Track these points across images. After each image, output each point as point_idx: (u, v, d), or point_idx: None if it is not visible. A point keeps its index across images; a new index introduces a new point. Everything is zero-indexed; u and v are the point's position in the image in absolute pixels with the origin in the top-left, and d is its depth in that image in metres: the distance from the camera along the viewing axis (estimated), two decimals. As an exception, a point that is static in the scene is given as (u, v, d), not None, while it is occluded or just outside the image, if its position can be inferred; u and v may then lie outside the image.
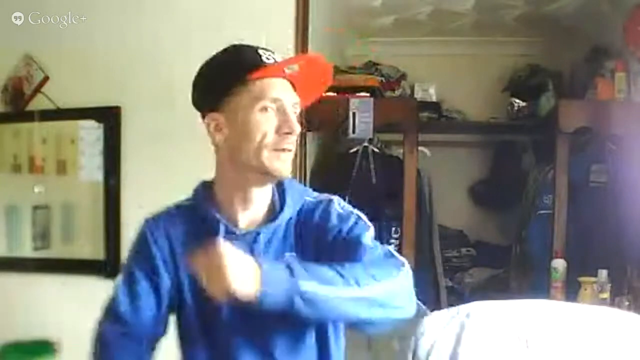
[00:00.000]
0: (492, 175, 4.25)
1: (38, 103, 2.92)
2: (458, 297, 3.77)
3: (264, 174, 1.30)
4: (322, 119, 3.01)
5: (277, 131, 1.28)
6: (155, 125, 2.77)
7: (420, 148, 3.15)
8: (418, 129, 3.09)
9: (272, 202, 1.37)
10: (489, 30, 4.10)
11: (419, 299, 1.35)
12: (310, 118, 2.93)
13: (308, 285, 1.11)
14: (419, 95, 3.84)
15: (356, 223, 1.36)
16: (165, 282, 1.37)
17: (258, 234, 1.32)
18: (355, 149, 3.18)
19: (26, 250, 2.95)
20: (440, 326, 1.71)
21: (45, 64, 2.90)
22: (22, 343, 2.77)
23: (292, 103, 1.31)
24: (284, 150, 1.29)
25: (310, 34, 2.91)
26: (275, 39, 2.70)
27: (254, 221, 1.35)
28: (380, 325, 1.27)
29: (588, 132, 3.13)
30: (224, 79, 1.31)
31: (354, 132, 2.96)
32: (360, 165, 3.14)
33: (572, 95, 3.46)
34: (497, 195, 4.11)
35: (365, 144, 3.15)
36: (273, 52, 1.35)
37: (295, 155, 2.83)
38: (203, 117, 1.34)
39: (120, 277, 1.40)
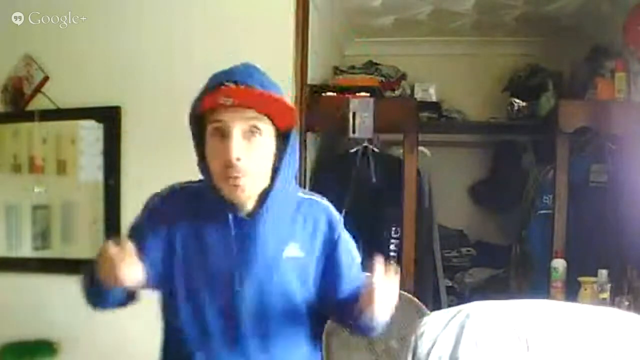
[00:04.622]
0: (492, 175, 4.24)
1: (38, 103, 2.92)
2: (458, 297, 3.77)
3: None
4: (322, 119, 3.01)
5: (220, 157, 1.32)
6: (155, 125, 2.77)
7: (420, 148, 3.14)
8: (418, 129, 3.09)
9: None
10: (489, 30, 4.10)
11: (419, 299, 1.36)
12: (310, 118, 2.93)
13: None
14: (419, 95, 3.83)
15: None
16: (154, 256, 1.40)
17: (262, 214, 1.38)
18: (355, 149, 3.18)
19: (26, 250, 2.96)
20: (440, 326, 1.71)
21: (45, 64, 2.90)
22: (22, 343, 2.77)
23: (246, 125, 1.32)
24: (228, 177, 1.32)
25: (311, 34, 2.91)
26: (275, 40, 2.71)
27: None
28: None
29: (588, 132, 3.13)
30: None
31: (354, 132, 2.96)
32: (361, 165, 3.14)
33: (572, 95, 3.46)
34: (497, 195, 4.11)
35: (365, 144, 3.15)
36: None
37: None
38: None
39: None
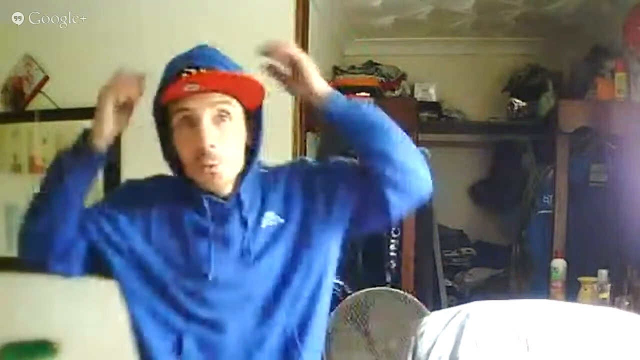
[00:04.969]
0: (492, 175, 4.25)
1: (38, 103, 2.92)
2: (458, 297, 3.77)
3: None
4: (322, 119, 3.01)
5: (192, 146, 1.27)
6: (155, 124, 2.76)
7: (420, 148, 3.14)
8: (418, 129, 3.09)
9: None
10: (489, 30, 4.10)
11: (419, 299, 1.35)
12: (310, 118, 2.93)
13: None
14: (419, 95, 3.83)
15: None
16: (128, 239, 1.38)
17: (238, 195, 1.34)
18: (355, 149, 3.17)
19: (26, 250, 2.95)
20: (440, 326, 1.71)
21: (45, 64, 2.90)
22: (22, 343, 2.77)
23: (215, 110, 1.27)
24: (203, 166, 1.27)
25: (311, 34, 2.91)
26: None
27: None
28: (401, 196, 1.41)
29: (588, 132, 3.13)
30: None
31: (354, 132, 2.95)
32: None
33: (572, 95, 3.46)
34: (497, 195, 4.11)
35: (366, 143, 3.14)
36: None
37: (295, 155, 2.85)
38: None
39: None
